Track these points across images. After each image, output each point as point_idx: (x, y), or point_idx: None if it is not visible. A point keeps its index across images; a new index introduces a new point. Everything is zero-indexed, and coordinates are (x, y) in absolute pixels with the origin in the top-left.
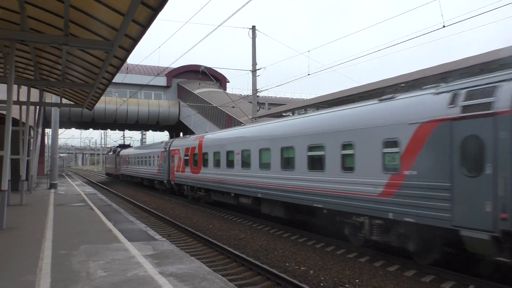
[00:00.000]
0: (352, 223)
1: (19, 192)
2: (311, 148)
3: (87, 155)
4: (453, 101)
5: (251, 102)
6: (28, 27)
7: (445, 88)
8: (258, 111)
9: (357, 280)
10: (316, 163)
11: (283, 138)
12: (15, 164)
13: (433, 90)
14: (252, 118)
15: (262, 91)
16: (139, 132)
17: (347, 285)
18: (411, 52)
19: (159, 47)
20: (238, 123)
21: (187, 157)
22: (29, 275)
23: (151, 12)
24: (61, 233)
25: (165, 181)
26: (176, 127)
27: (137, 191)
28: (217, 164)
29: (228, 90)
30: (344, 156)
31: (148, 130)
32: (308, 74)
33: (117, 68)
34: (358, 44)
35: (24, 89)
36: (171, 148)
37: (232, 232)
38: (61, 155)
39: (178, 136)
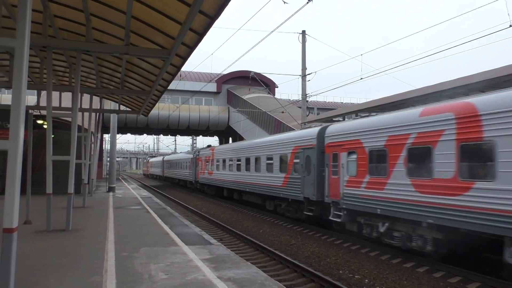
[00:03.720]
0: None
1: (81, 195)
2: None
3: (140, 160)
4: (194, 153)
5: (300, 107)
6: (92, 38)
7: (193, 152)
8: (307, 116)
9: None
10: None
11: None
12: (77, 168)
13: (192, 153)
14: (301, 123)
15: (312, 96)
16: (190, 137)
17: None
18: (468, 55)
19: (212, 54)
20: (287, 128)
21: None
22: (96, 275)
23: (207, 20)
24: (121, 235)
25: (159, 175)
26: (226, 133)
27: (189, 195)
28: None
29: (277, 95)
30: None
31: (198, 135)
32: (361, 78)
33: (173, 76)
34: (409, 47)
35: (84, 96)
36: (164, 159)
37: (283, 238)
38: (117, 159)
39: (227, 142)
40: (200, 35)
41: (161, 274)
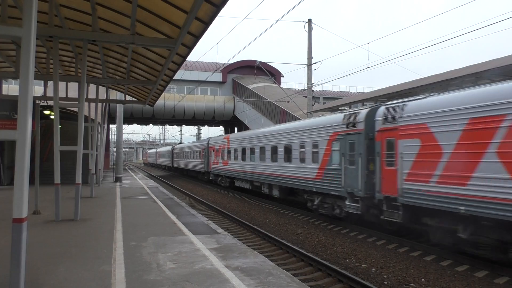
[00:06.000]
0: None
1: (88, 185)
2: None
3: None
4: (172, 147)
5: (305, 97)
6: (98, 27)
7: (171, 146)
8: (313, 105)
9: (423, 280)
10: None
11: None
12: (84, 159)
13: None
14: (307, 112)
15: (318, 85)
16: (196, 127)
17: (412, 284)
18: (477, 42)
19: (217, 43)
20: (293, 118)
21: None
22: (105, 265)
23: (213, 9)
24: (129, 224)
25: (154, 163)
26: (232, 122)
27: (195, 185)
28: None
29: (282, 85)
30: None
31: (204, 125)
32: (368, 67)
33: (179, 65)
34: (417, 35)
35: (90, 86)
36: (156, 151)
37: (289, 227)
38: (124, 149)
39: (233, 131)
40: (206, 24)
41: (169, 263)
